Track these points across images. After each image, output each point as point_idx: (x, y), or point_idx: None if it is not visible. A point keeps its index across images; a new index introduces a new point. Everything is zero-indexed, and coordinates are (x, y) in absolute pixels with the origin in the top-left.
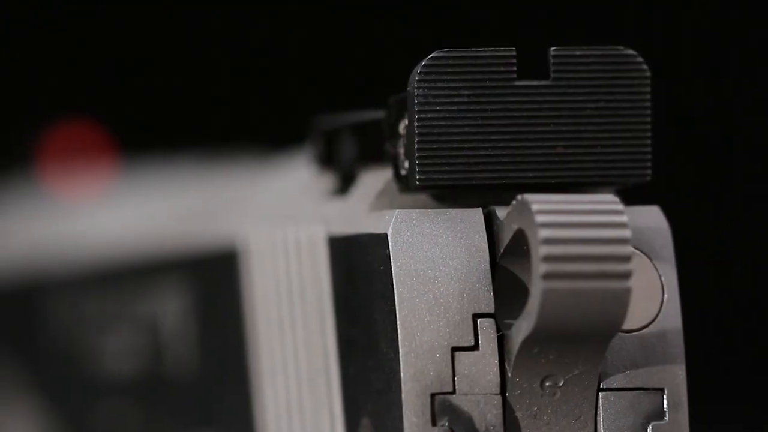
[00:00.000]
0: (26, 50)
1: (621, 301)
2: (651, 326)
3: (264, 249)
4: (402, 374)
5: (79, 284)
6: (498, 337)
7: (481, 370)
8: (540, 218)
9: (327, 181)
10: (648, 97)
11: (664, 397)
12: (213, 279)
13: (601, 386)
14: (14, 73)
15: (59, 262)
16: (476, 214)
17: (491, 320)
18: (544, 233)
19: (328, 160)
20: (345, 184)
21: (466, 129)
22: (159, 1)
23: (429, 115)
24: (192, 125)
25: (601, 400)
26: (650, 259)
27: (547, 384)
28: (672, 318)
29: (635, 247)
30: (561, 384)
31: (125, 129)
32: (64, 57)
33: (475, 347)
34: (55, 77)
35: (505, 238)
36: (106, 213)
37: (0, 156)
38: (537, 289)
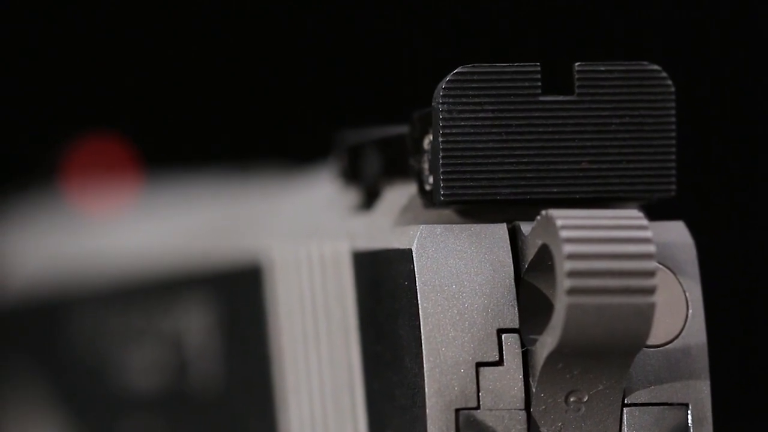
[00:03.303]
0: (50, 64)
1: (645, 316)
2: (675, 341)
3: (288, 264)
4: (426, 389)
5: (103, 299)
6: (522, 352)
7: (505, 385)
8: (564, 233)
9: (351, 196)
10: (673, 112)
11: (689, 412)
12: (237, 294)
13: (626, 401)
14: (38, 87)
15: (84, 276)
16: (501, 230)
17: (516, 335)
18: (568, 248)
19: (352, 175)
20: (369, 199)
21: (491, 144)
22: (183, 16)
23: (453, 131)
24: (216, 140)
25: (625, 415)
26: (675, 275)
27: (571, 399)
28: (696, 333)
29: (660, 263)
30: (585, 399)
31: (150, 144)
32: (88, 71)
33: (500, 362)
34: (79, 91)
35: (530, 253)
36: (130, 228)
37: (25, 170)
38: (561, 304)
